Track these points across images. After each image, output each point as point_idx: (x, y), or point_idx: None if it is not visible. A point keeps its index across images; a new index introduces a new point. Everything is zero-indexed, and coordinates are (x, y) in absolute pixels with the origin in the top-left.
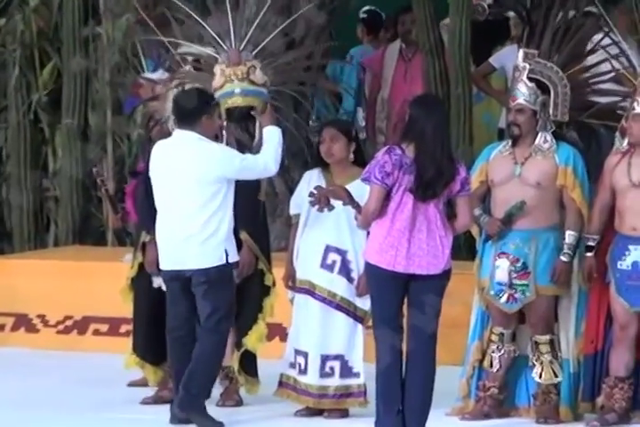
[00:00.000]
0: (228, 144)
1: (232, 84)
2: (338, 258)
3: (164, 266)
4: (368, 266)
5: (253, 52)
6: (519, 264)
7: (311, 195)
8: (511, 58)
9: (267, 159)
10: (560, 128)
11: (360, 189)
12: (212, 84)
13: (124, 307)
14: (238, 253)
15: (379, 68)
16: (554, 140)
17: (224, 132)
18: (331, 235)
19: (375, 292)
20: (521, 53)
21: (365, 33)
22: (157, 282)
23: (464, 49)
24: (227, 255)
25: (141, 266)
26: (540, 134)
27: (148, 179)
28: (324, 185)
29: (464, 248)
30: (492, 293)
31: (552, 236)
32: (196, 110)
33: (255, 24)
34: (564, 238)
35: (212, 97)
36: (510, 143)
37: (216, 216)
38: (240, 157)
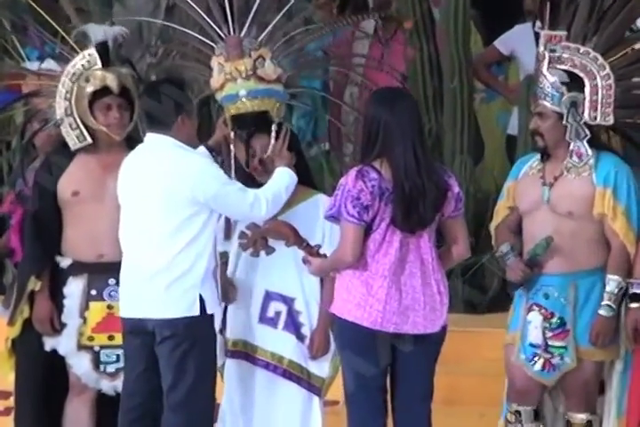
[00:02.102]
0: (235, 160)
1: (235, 85)
2: (283, 308)
3: (122, 312)
4: (342, 324)
5: (260, 38)
6: (555, 320)
7: (243, 236)
8: (524, 40)
9: (260, 198)
10: (602, 134)
11: (305, 216)
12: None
13: None
14: None
15: (346, 55)
16: (590, 152)
17: (231, 146)
18: (272, 278)
19: (350, 357)
20: (542, 36)
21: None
22: (50, 344)
23: (462, 28)
24: (202, 304)
25: (28, 323)
26: (571, 145)
27: (38, 206)
28: None
29: (462, 298)
30: (522, 357)
31: (598, 281)
32: (171, 108)
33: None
34: (605, 285)
35: (190, 91)
36: (539, 158)
37: (190, 250)
38: (224, 180)
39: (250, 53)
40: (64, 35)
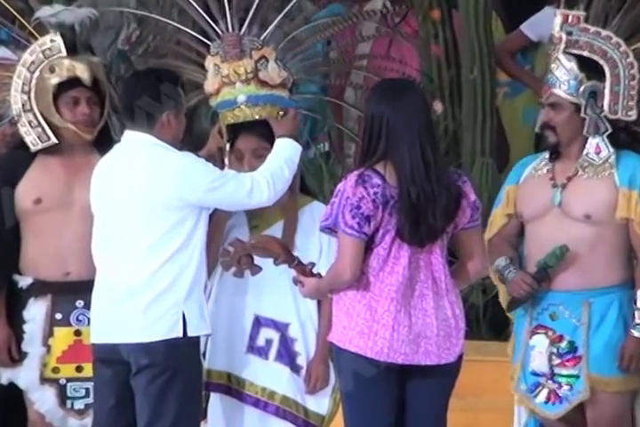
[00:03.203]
0: None
1: (233, 89)
2: (274, 336)
3: (93, 338)
4: (342, 355)
5: (262, 36)
6: (564, 344)
7: (224, 253)
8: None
9: (259, 181)
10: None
11: (298, 228)
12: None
13: None
14: None
15: (349, 41)
16: (611, 149)
17: (226, 159)
18: (262, 300)
19: (353, 394)
20: (558, 16)
21: None
22: (7, 376)
23: (483, 10)
24: (184, 325)
25: None
26: (589, 141)
27: None
28: (244, 223)
29: (484, 321)
30: (523, 387)
31: (616, 299)
32: (156, 103)
33: None
34: (635, 301)
35: (179, 83)
36: (548, 156)
37: (174, 263)
38: (214, 173)
39: (251, 53)
40: (20, 18)
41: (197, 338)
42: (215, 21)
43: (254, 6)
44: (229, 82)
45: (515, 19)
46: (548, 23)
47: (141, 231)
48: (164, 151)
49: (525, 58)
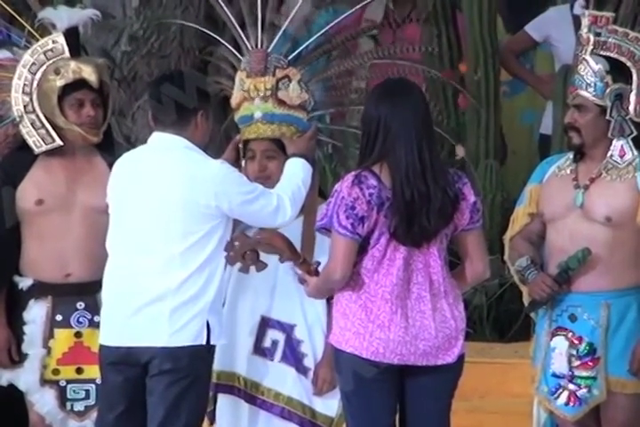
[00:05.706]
0: None
1: (251, 105)
2: (280, 337)
3: (106, 340)
4: (340, 356)
5: (291, 56)
6: (583, 346)
7: (228, 247)
8: (560, 25)
9: (284, 200)
10: None
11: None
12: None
13: None
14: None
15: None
16: (636, 152)
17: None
18: (269, 301)
19: (352, 395)
20: (587, 17)
21: None
22: (7, 377)
23: (487, 11)
24: (208, 332)
25: None
26: (614, 143)
27: None
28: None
29: (487, 323)
30: (544, 389)
31: (635, 301)
32: (189, 104)
33: (294, 12)
34: None
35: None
36: (572, 157)
37: (203, 271)
38: (247, 185)
39: (274, 71)
40: (20, 19)
41: (214, 347)
42: (247, 36)
43: (285, 24)
44: (249, 97)
45: (517, 17)
46: (553, 23)
47: (176, 237)
48: (201, 157)
49: (526, 57)
